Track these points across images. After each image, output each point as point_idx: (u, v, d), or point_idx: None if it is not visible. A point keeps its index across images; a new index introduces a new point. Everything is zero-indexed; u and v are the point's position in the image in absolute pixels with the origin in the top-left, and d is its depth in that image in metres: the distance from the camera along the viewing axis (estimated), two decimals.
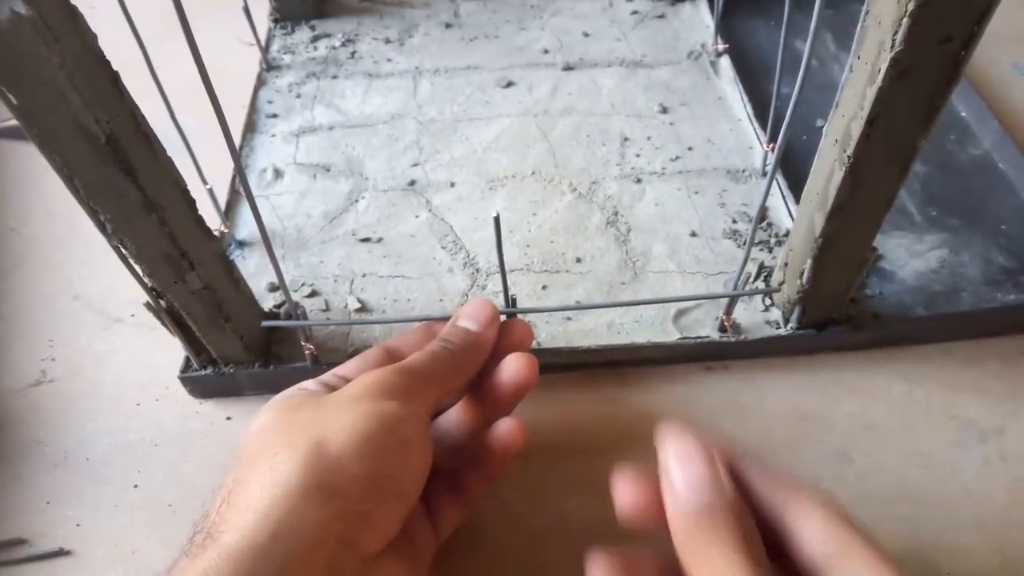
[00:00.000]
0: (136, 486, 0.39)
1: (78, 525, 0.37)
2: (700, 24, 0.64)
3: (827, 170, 0.33)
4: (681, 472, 0.25)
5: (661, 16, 0.65)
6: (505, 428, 0.32)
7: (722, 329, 0.42)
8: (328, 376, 0.33)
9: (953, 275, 0.44)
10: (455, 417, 0.34)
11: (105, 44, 0.28)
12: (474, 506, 0.33)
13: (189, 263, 0.34)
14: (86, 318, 0.46)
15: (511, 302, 0.37)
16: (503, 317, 0.36)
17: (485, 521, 0.37)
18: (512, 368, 0.33)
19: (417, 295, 0.45)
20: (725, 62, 0.59)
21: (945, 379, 0.42)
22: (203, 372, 0.41)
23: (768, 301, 0.43)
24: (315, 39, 0.64)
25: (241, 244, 0.48)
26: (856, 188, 0.32)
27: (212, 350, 0.39)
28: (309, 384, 0.32)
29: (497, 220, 0.32)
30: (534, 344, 0.42)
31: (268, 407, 0.30)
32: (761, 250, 0.46)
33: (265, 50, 0.61)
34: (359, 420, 0.27)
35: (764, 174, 0.51)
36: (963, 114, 0.54)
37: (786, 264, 0.40)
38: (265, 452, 0.27)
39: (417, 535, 0.30)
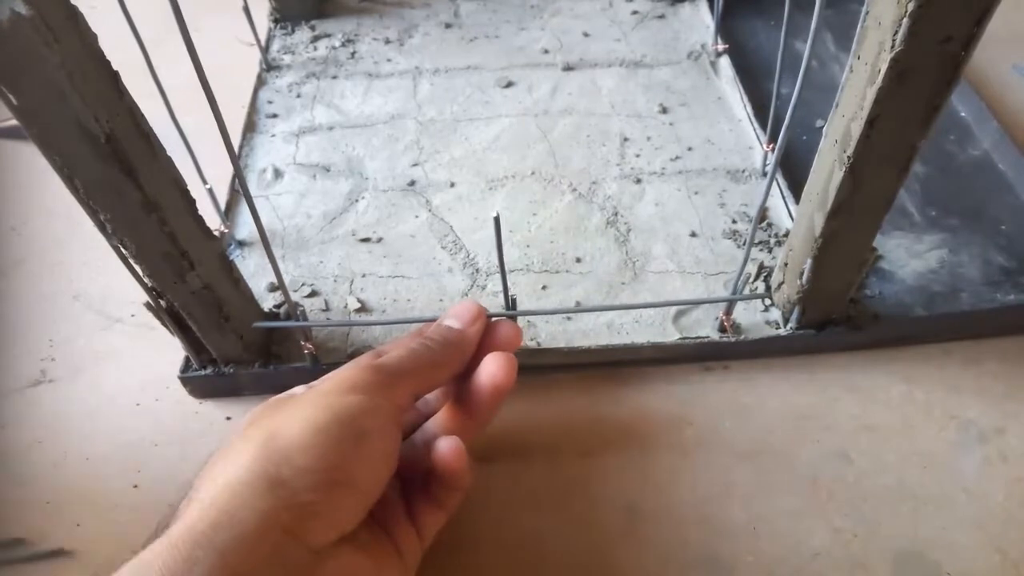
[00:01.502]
0: (136, 486, 0.39)
1: (78, 525, 0.37)
2: (700, 24, 0.64)
3: (827, 170, 0.33)
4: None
5: (661, 16, 0.65)
6: (444, 448, 0.31)
7: (722, 329, 0.42)
8: (318, 382, 0.33)
9: (952, 275, 0.44)
10: (440, 421, 0.34)
11: (105, 44, 0.28)
12: (451, 509, 0.33)
13: (189, 263, 0.34)
14: (86, 318, 0.46)
15: (511, 302, 0.37)
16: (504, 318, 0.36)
17: (484, 521, 0.37)
18: (490, 369, 0.33)
19: (417, 295, 0.45)
20: (725, 62, 0.59)
21: (945, 379, 0.42)
22: (203, 372, 0.41)
23: (768, 301, 0.43)
24: (315, 39, 0.64)
25: (241, 244, 0.48)
26: (856, 188, 0.32)
27: (212, 350, 0.39)
28: (298, 389, 0.32)
29: (497, 220, 0.32)
30: (534, 344, 0.42)
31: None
32: (761, 250, 0.46)
33: (265, 50, 0.61)
34: (313, 412, 0.27)
35: (764, 174, 0.51)
36: (963, 114, 0.54)
37: (786, 264, 0.40)
38: (226, 448, 0.28)
39: (400, 537, 0.30)
